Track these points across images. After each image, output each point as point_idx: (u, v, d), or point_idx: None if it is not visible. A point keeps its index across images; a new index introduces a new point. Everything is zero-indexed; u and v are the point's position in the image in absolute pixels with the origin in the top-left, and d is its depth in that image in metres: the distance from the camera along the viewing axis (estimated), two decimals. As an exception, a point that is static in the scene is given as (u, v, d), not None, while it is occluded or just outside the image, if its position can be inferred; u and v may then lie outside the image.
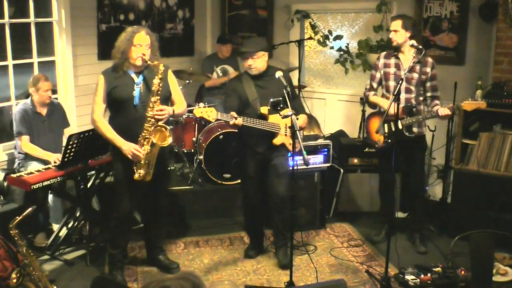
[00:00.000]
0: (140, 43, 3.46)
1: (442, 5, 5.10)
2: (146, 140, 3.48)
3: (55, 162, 4.09)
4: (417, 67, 4.01)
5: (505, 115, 4.41)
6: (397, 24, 4.02)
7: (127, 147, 3.47)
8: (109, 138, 3.53)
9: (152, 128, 3.46)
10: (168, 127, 3.51)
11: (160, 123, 3.48)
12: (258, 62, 3.81)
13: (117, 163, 3.65)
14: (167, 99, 3.65)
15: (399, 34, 4.02)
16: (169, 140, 3.50)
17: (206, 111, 3.52)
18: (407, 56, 4.07)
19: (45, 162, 4.16)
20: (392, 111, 3.63)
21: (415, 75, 4.03)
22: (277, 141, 3.87)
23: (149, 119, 3.46)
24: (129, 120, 3.53)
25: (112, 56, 3.57)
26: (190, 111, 5.34)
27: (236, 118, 3.57)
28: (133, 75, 3.56)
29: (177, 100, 3.74)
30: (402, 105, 3.94)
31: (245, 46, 3.87)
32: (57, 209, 4.33)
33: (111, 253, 3.80)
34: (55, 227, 4.28)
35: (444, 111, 3.90)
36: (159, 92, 3.46)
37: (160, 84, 3.46)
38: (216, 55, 6.00)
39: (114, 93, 3.52)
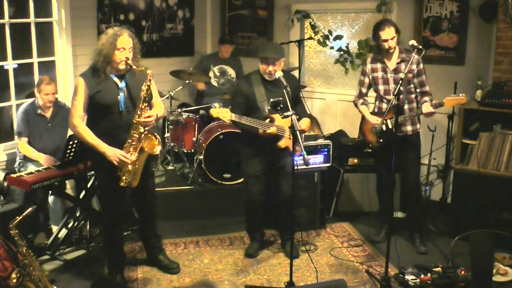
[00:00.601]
0: (123, 46, 3.36)
1: (442, 5, 5.10)
2: (133, 146, 3.42)
3: (47, 164, 4.08)
4: (402, 67, 4.02)
5: (505, 115, 4.41)
6: (391, 32, 4.01)
7: (112, 153, 3.36)
8: (91, 144, 3.38)
9: (142, 135, 3.42)
10: (158, 136, 3.50)
11: (147, 129, 3.45)
12: (278, 69, 3.85)
13: (100, 170, 3.57)
14: (148, 103, 3.58)
15: (395, 40, 4.04)
16: (158, 148, 3.48)
17: (222, 112, 3.59)
18: (393, 58, 4.10)
19: (45, 162, 4.18)
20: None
21: (402, 75, 4.03)
22: (282, 144, 3.92)
23: (136, 125, 3.40)
24: (113, 125, 3.43)
25: (93, 59, 3.45)
26: (190, 111, 5.38)
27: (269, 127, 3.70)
28: (116, 79, 3.45)
29: (156, 103, 3.67)
30: (391, 105, 3.94)
31: (268, 52, 3.85)
32: (56, 210, 4.32)
33: (108, 256, 3.80)
34: (55, 228, 4.28)
35: (427, 108, 3.92)
36: (147, 99, 3.41)
37: (149, 91, 3.42)
38: (217, 54, 5.99)
39: (98, 98, 3.39)
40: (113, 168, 3.42)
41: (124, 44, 3.37)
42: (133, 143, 3.42)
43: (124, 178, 3.44)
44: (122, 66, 3.42)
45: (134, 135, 3.42)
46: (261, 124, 3.80)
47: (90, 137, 3.39)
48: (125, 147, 3.42)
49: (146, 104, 3.42)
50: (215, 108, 3.60)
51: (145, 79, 3.44)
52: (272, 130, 3.76)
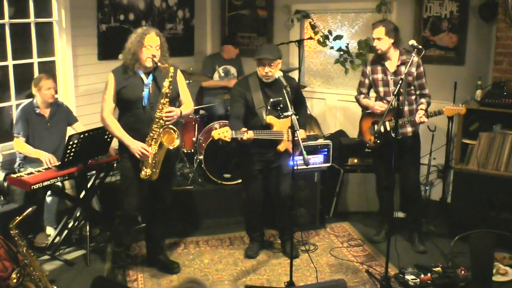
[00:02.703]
0: (150, 44, 3.49)
1: (442, 5, 5.10)
2: (154, 140, 3.51)
3: (47, 162, 4.08)
4: (402, 69, 4.02)
5: (505, 115, 4.41)
6: (380, 32, 4.00)
7: (135, 146, 3.49)
8: (117, 137, 3.57)
9: (161, 129, 3.49)
10: (177, 130, 3.54)
11: (168, 124, 3.51)
12: (275, 70, 3.83)
13: (124, 160, 3.66)
14: (175, 100, 3.67)
15: (383, 41, 4.01)
16: (177, 142, 3.55)
17: (223, 132, 3.61)
18: (393, 60, 4.09)
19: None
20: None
21: (402, 77, 4.03)
22: (281, 147, 3.93)
23: (157, 120, 3.49)
24: (137, 120, 3.56)
25: (122, 57, 3.59)
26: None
27: (247, 132, 3.65)
28: (143, 76, 3.57)
29: (185, 100, 3.75)
30: (391, 107, 3.94)
31: (263, 53, 3.84)
32: (52, 211, 4.29)
33: (115, 251, 3.80)
34: (48, 229, 4.27)
35: (419, 119, 3.95)
36: (168, 95, 3.48)
37: (170, 87, 3.49)
38: (219, 54, 5.96)
39: (123, 93, 3.54)
40: (137, 160, 3.54)
41: (151, 42, 3.49)
42: (154, 137, 3.51)
43: (145, 170, 3.53)
44: (149, 64, 3.51)
45: (156, 129, 3.50)
46: (260, 133, 3.79)
47: (117, 130, 3.55)
48: (147, 141, 3.52)
49: (168, 99, 3.49)
50: (215, 130, 3.64)
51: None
52: (247, 136, 3.68)
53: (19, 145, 4.20)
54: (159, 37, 3.56)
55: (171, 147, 3.53)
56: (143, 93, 3.54)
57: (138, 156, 3.50)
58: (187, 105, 3.75)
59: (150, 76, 3.58)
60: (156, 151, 3.52)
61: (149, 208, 3.92)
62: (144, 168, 3.54)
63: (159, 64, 3.50)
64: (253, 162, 3.99)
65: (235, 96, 3.95)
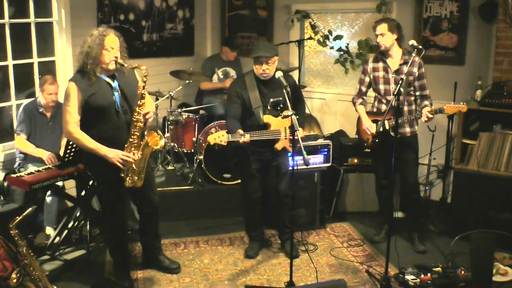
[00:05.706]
0: (111, 46, 3.30)
1: (442, 5, 5.11)
2: (134, 145, 3.37)
3: (49, 160, 4.08)
4: (404, 68, 4.01)
5: (505, 115, 4.42)
6: (383, 28, 4.01)
7: (114, 155, 3.29)
8: (90, 149, 3.30)
9: (145, 132, 3.42)
10: (159, 131, 3.49)
11: (149, 122, 3.46)
12: (272, 68, 3.83)
13: (98, 175, 3.54)
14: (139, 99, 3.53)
15: (386, 37, 4.02)
16: (162, 142, 3.49)
17: (219, 136, 3.61)
18: (395, 59, 4.09)
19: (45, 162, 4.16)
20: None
21: (402, 76, 4.03)
22: (279, 146, 3.93)
23: (136, 123, 3.36)
24: (112, 126, 3.38)
25: (79, 62, 3.36)
26: (190, 111, 5.38)
27: (244, 135, 3.65)
28: (108, 80, 3.39)
29: (146, 99, 3.56)
30: (391, 105, 3.93)
31: (260, 51, 3.83)
32: (51, 211, 4.29)
33: (115, 257, 3.76)
34: (48, 229, 4.27)
35: (426, 115, 3.92)
36: (144, 95, 3.37)
37: (145, 87, 3.37)
38: (219, 56, 5.93)
39: (93, 101, 3.30)
40: (112, 171, 3.36)
41: (111, 44, 3.32)
42: (134, 142, 3.38)
43: (129, 178, 3.40)
44: (112, 66, 3.35)
45: (135, 133, 3.38)
46: (257, 134, 3.79)
47: (89, 142, 3.30)
48: (126, 147, 3.37)
49: (144, 100, 3.38)
50: (211, 135, 3.64)
51: (139, 76, 3.43)
52: (246, 139, 3.69)
53: (21, 143, 4.21)
54: (118, 37, 3.36)
55: (156, 147, 3.45)
56: (113, 97, 3.37)
57: (119, 165, 3.30)
58: (150, 103, 3.60)
59: (115, 79, 3.42)
60: (140, 156, 3.38)
61: (138, 212, 3.87)
62: (126, 176, 3.38)
63: (125, 65, 3.36)
64: (251, 161, 4.00)
65: (231, 96, 3.95)
